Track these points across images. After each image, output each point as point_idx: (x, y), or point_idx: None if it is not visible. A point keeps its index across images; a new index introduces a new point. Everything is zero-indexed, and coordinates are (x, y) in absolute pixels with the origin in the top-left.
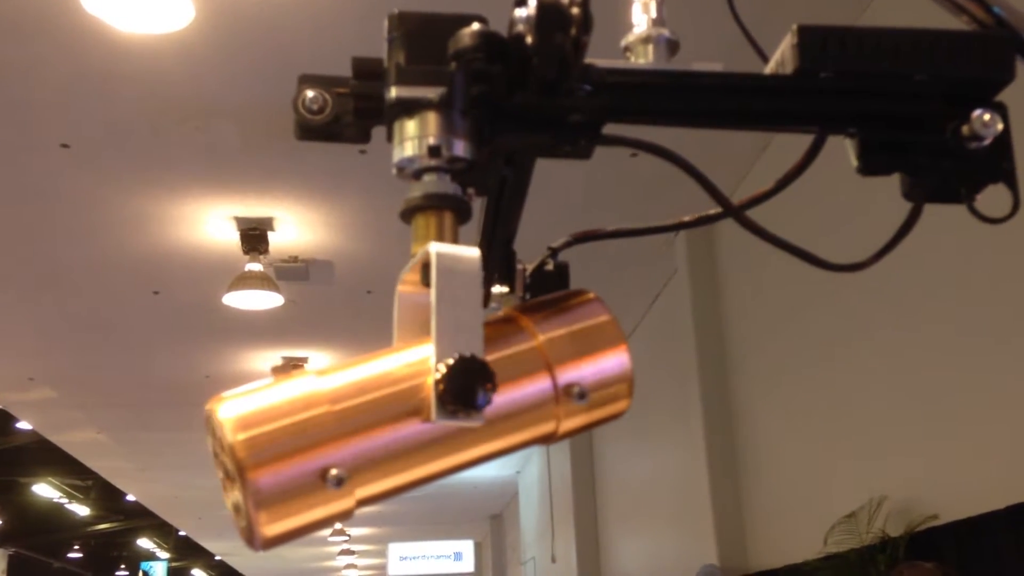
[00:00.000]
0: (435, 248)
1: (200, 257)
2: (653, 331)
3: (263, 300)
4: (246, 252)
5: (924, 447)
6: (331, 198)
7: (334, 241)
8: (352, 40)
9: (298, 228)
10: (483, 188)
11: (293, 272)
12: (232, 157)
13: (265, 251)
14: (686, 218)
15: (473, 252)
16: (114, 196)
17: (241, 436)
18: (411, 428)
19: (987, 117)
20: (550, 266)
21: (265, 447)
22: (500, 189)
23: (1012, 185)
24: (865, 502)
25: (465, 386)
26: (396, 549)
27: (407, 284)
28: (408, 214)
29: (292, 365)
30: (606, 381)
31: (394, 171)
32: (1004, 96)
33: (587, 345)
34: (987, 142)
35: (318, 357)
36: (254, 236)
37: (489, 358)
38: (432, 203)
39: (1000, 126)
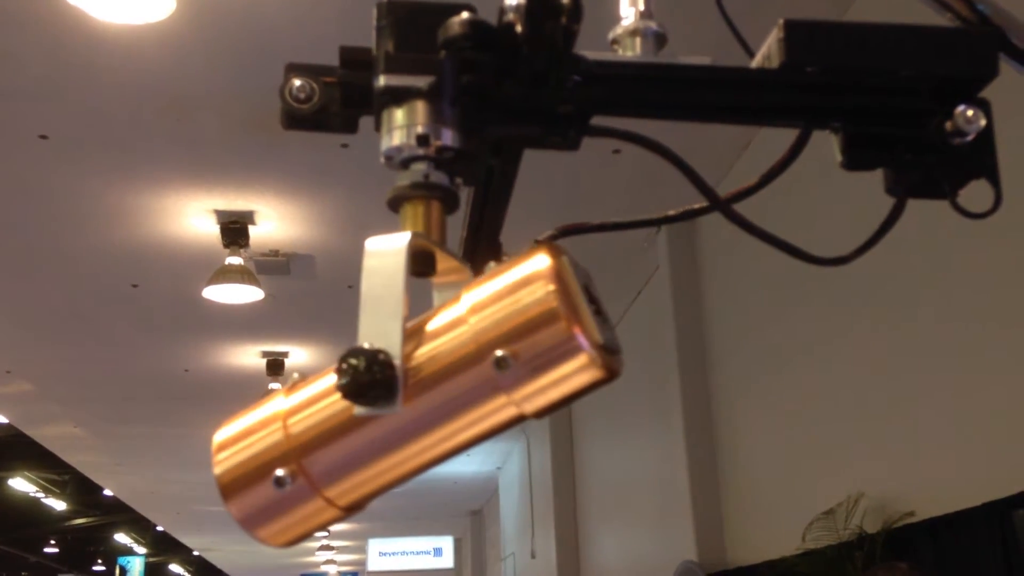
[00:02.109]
0: (367, 242)
1: (180, 250)
2: (634, 327)
3: (243, 294)
4: (226, 246)
5: (901, 445)
6: (313, 192)
7: (315, 235)
8: (334, 30)
9: (279, 222)
10: (471, 178)
11: (274, 266)
12: (213, 150)
13: (246, 245)
14: (671, 212)
15: (399, 243)
16: (93, 188)
17: (215, 469)
18: (362, 431)
19: (970, 113)
20: None
21: (230, 477)
22: (488, 179)
23: (994, 181)
24: (843, 499)
25: (362, 380)
26: (376, 545)
27: None
28: (395, 202)
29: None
30: (548, 355)
31: (382, 160)
32: (987, 92)
33: (517, 320)
34: (970, 138)
35: (298, 352)
36: (235, 230)
37: (423, 347)
38: (420, 192)
39: (983, 122)
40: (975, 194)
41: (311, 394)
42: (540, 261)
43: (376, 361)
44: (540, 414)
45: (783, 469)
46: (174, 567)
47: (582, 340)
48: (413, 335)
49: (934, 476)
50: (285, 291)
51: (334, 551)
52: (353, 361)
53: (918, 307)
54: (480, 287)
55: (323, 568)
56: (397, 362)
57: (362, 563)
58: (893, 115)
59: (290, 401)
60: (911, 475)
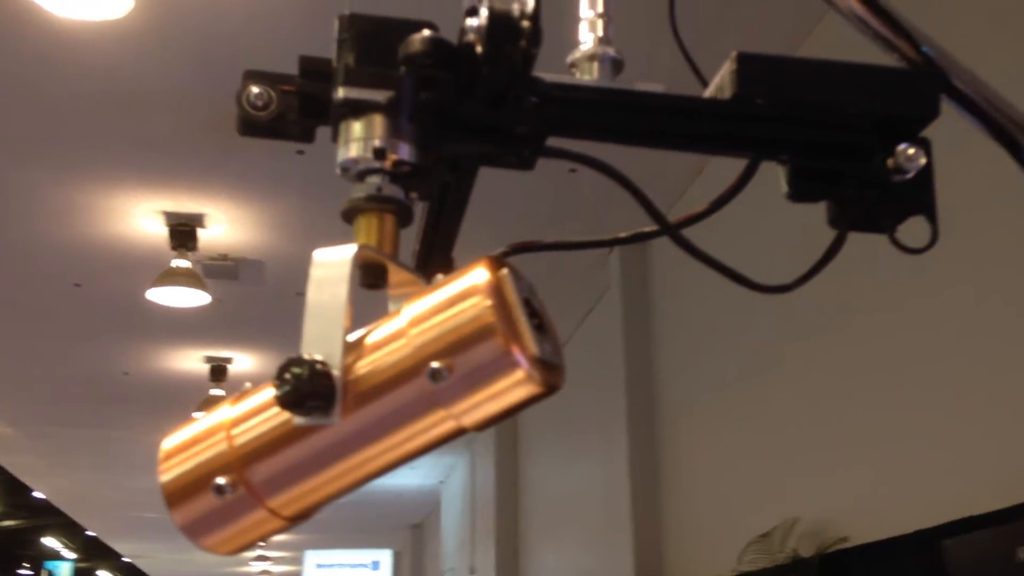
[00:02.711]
0: (315, 253)
1: (126, 251)
2: (584, 346)
3: (189, 298)
4: (174, 248)
5: (838, 471)
6: (266, 197)
7: (266, 241)
8: (294, 33)
9: (230, 226)
10: (426, 193)
11: (222, 271)
12: (165, 150)
13: (194, 248)
14: (622, 234)
15: (345, 255)
16: (39, 184)
17: (160, 479)
18: (303, 443)
19: (912, 151)
20: None
21: (174, 488)
22: (442, 195)
23: (932, 218)
24: (779, 523)
25: (297, 390)
26: (313, 556)
27: None
28: (349, 214)
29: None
30: (485, 368)
31: (338, 171)
32: (928, 132)
33: (453, 335)
34: (911, 175)
35: (243, 359)
36: (183, 232)
37: (363, 361)
38: (374, 205)
39: (924, 160)
40: (913, 230)
41: (254, 404)
42: (479, 275)
43: (314, 371)
44: (479, 427)
45: (723, 491)
46: (103, 573)
47: (518, 355)
48: (355, 347)
49: (869, 503)
50: (232, 296)
51: (270, 562)
52: (292, 371)
53: (855, 336)
54: (420, 300)
55: None
56: (336, 373)
57: (298, 574)
58: (838, 150)
59: (235, 411)
60: (846, 501)
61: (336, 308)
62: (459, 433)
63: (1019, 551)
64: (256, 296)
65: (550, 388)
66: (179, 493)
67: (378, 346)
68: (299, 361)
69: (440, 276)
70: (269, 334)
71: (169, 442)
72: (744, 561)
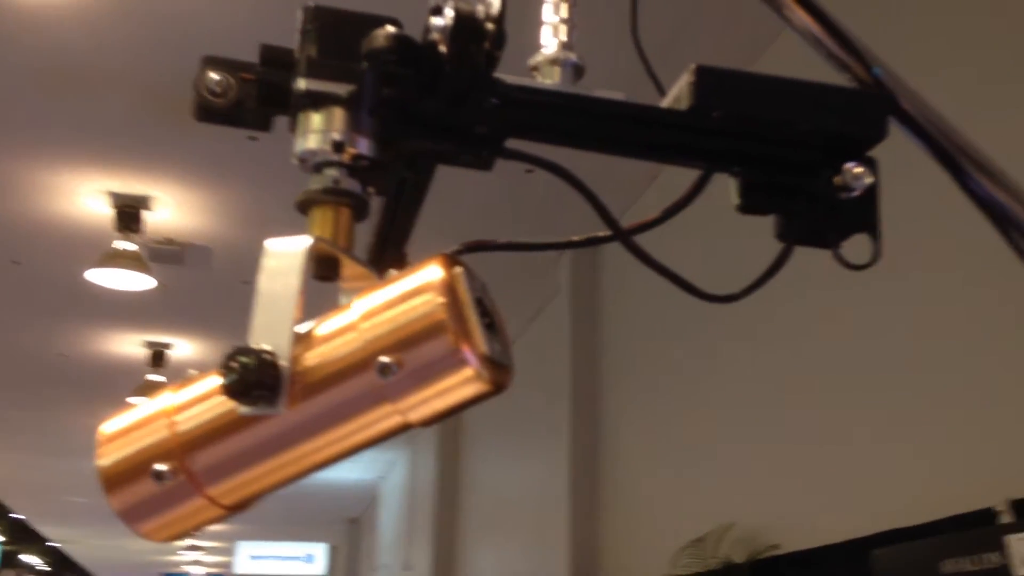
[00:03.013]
0: (267, 243)
1: (69, 230)
2: (531, 348)
3: (132, 281)
4: (119, 230)
5: (772, 479)
6: (215, 182)
7: (214, 227)
8: (250, 16)
9: (177, 210)
10: (383, 188)
11: (167, 255)
12: (114, 130)
13: (139, 231)
14: (575, 237)
15: (299, 246)
16: None
17: (98, 463)
18: (247, 432)
19: (859, 170)
20: None
21: (112, 473)
22: (399, 191)
23: (875, 236)
24: (714, 528)
25: (244, 379)
26: (245, 547)
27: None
28: (305, 205)
29: (159, 352)
30: (433, 367)
31: (295, 161)
32: (876, 152)
33: (404, 331)
34: (857, 193)
35: (183, 345)
36: (129, 214)
37: (311, 353)
38: (330, 197)
39: (870, 180)
40: (857, 247)
41: (198, 392)
42: (433, 272)
43: (262, 361)
44: (426, 423)
45: (660, 495)
46: (27, 557)
47: (468, 354)
48: (304, 338)
49: (802, 511)
50: (177, 281)
51: (201, 551)
52: (239, 360)
53: (794, 348)
54: (373, 295)
55: (187, 568)
56: (283, 363)
57: (230, 565)
58: (789, 165)
59: (178, 398)
60: (780, 509)
61: (287, 299)
62: (404, 428)
63: (943, 564)
64: (201, 282)
65: (498, 387)
66: (117, 478)
67: (328, 338)
68: (246, 350)
69: (394, 272)
70: (212, 321)
71: (108, 426)
72: (678, 565)
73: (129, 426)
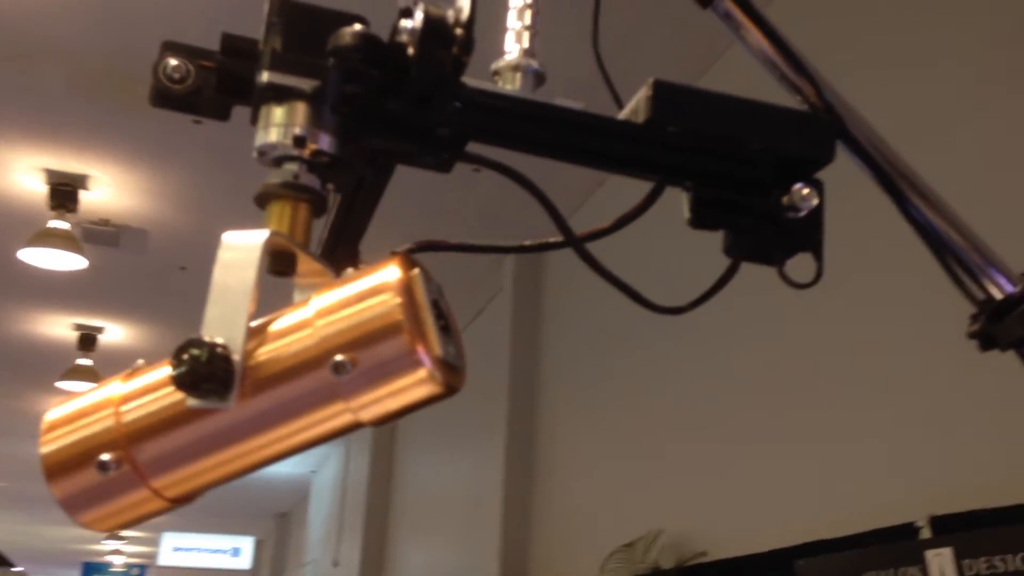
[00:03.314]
0: (224, 236)
1: (0, 206)
2: (470, 347)
3: (64, 261)
4: (53, 208)
5: (703, 487)
6: (156, 164)
7: (152, 210)
8: (203, 1)
9: (115, 190)
10: (341, 185)
11: (102, 236)
12: (54, 105)
13: (74, 210)
14: (527, 242)
15: (256, 239)
16: None
17: (41, 450)
18: (196, 425)
19: (806, 191)
20: None
21: (55, 460)
22: (356, 188)
23: (818, 256)
24: (644, 533)
25: (200, 372)
26: (170, 539)
27: None
28: (263, 199)
29: (88, 336)
30: (390, 366)
31: (254, 154)
32: (823, 174)
33: (360, 330)
34: (803, 214)
35: (115, 329)
36: (64, 192)
37: (265, 348)
38: (289, 192)
39: (816, 201)
40: (801, 265)
41: (147, 383)
42: (391, 273)
43: (214, 354)
44: (376, 423)
45: (593, 499)
46: None
47: (422, 355)
48: (257, 333)
49: (730, 520)
50: (111, 264)
51: (123, 541)
52: (191, 352)
53: (728, 358)
54: (329, 292)
55: (108, 559)
56: (236, 357)
57: (153, 556)
58: (739, 183)
59: (126, 387)
60: (709, 517)
61: (242, 292)
62: (355, 427)
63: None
64: (136, 265)
65: (450, 389)
66: (60, 466)
67: (282, 334)
68: (199, 343)
69: (350, 270)
70: (147, 306)
71: (54, 414)
72: (606, 569)
73: (74, 414)
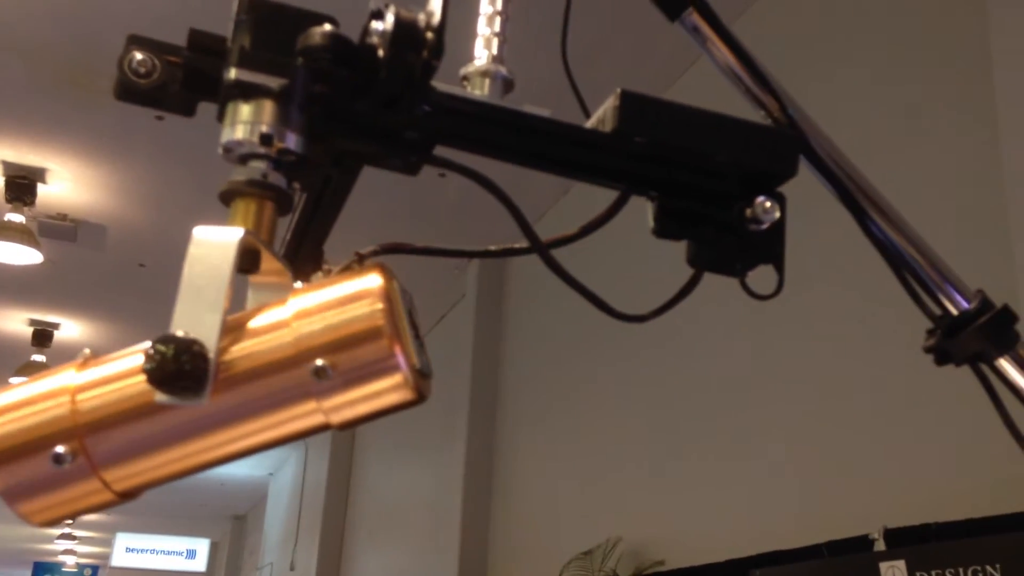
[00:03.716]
0: (196, 230)
1: None
2: (432, 352)
3: (19, 255)
4: (9, 201)
5: (662, 497)
6: (116, 159)
7: (111, 205)
8: None
9: (73, 184)
10: (307, 185)
11: (59, 231)
12: (13, 97)
13: (31, 203)
14: (492, 247)
15: (231, 235)
16: None
17: None
18: (159, 419)
19: (768, 204)
20: None
21: (5, 446)
22: (322, 188)
23: (779, 268)
24: (602, 542)
25: (170, 367)
26: (124, 539)
27: None
28: (228, 196)
29: (42, 332)
30: (368, 371)
31: (220, 151)
32: (785, 188)
33: (342, 334)
34: (765, 226)
35: (71, 326)
36: (21, 185)
37: (238, 346)
38: (255, 190)
39: (778, 214)
40: (762, 277)
41: (109, 372)
42: (372, 280)
43: (190, 351)
44: (344, 426)
45: (552, 507)
46: None
47: (401, 360)
48: (230, 330)
49: (687, 529)
50: (68, 259)
51: (76, 541)
52: (165, 347)
53: (687, 369)
54: (309, 294)
55: (60, 559)
56: (211, 355)
57: (106, 557)
58: (703, 194)
59: (83, 377)
60: (668, 526)
61: (217, 289)
62: (322, 429)
63: None
64: (94, 261)
65: (421, 397)
66: (6, 454)
67: (257, 333)
68: (175, 338)
69: (320, 274)
70: (105, 303)
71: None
72: None
73: (24, 400)
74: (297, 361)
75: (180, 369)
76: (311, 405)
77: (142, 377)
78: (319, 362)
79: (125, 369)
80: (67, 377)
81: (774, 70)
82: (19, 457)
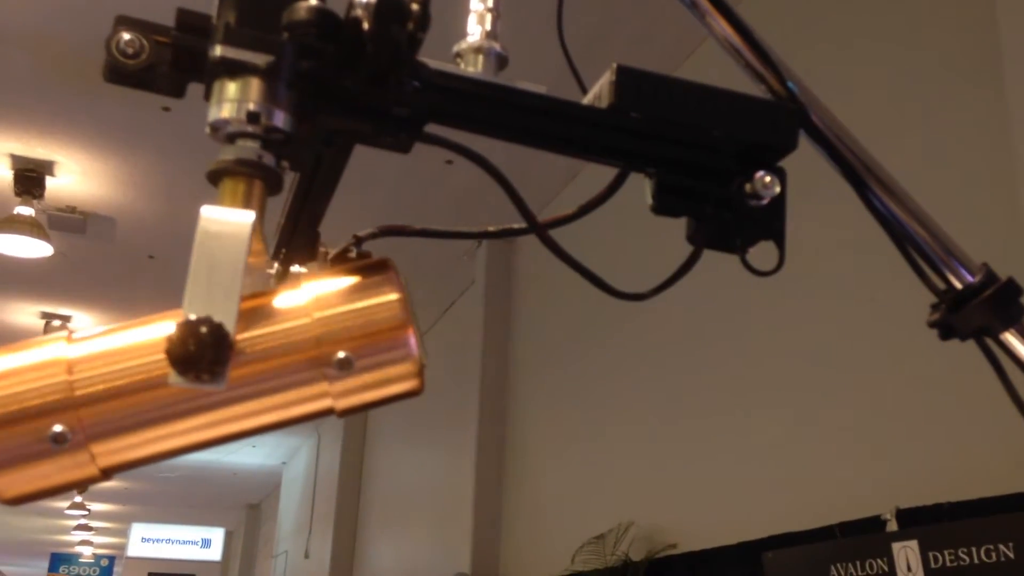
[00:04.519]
0: (204, 209)
1: None
2: (442, 339)
3: (29, 248)
4: (18, 194)
5: (673, 482)
6: (123, 151)
7: (119, 197)
8: None
9: (82, 177)
10: (297, 163)
11: (69, 223)
12: (19, 89)
13: (40, 196)
14: (490, 228)
15: (244, 217)
16: None
17: None
18: (158, 397)
19: (768, 179)
20: (353, 253)
21: None
22: (315, 168)
23: (780, 244)
24: (614, 526)
25: (192, 349)
26: (139, 529)
27: None
28: (216, 176)
29: (49, 324)
30: (384, 360)
31: (207, 130)
32: (785, 163)
33: (363, 322)
34: (765, 202)
35: (82, 318)
36: (30, 178)
37: (255, 329)
38: (243, 169)
39: (778, 189)
40: (763, 253)
41: (111, 346)
42: (387, 270)
43: (218, 335)
44: (347, 413)
45: (564, 492)
46: None
47: (415, 350)
48: (244, 313)
49: (699, 513)
50: (78, 251)
51: (92, 532)
52: (191, 330)
53: (700, 354)
54: (325, 281)
55: (77, 550)
56: (233, 341)
57: (122, 547)
58: (702, 170)
59: (78, 349)
60: (678, 510)
61: (233, 271)
62: (324, 414)
63: (832, 568)
64: (104, 253)
65: (422, 388)
66: None
67: (275, 317)
68: (201, 322)
69: (320, 257)
70: (115, 294)
71: None
72: (577, 561)
73: (13, 369)
74: (316, 346)
75: (205, 354)
76: (322, 389)
77: (150, 355)
78: (342, 353)
79: (130, 343)
80: (59, 348)
81: (780, 46)
82: (9, 426)
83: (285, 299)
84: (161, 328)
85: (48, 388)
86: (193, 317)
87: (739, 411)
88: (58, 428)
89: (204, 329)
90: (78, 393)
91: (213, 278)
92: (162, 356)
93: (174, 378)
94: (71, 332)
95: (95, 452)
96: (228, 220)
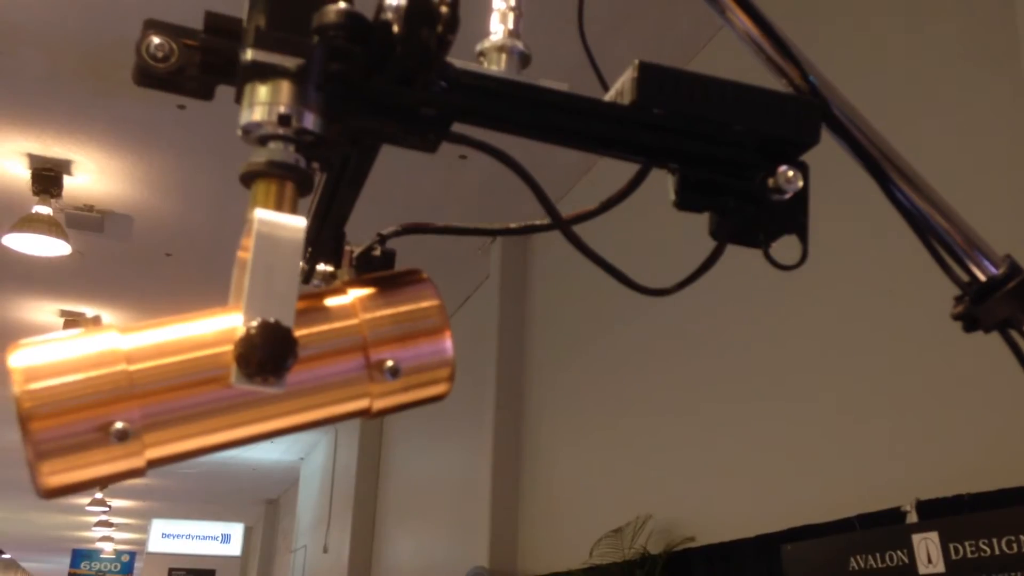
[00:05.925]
0: (259, 213)
1: None
2: (458, 333)
3: (48, 247)
4: (36, 193)
5: (690, 474)
6: (140, 149)
7: (136, 195)
8: None
9: (99, 176)
10: (327, 165)
11: (86, 222)
12: (37, 89)
13: (58, 195)
14: (512, 224)
15: (298, 222)
16: None
17: (28, 387)
18: (212, 393)
19: (791, 174)
20: (377, 251)
21: (50, 400)
22: (342, 168)
23: (803, 238)
24: (632, 519)
25: (263, 352)
26: (159, 525)
27: (244, 250)
28: (249, 178)
29: (73, 321)
30: (424, 364)
31: (239, 132)
32: (808, 156)
33: (408, 327)
34: (788, 196)
35: (102, 316)
36: (48, 177)
37: (304, 330)
38: (275, 171)
39: (801, 183)
40: (786, 248)
41: (166, 339)
42: (425, 280)
43: (286, 340)
44: (381, 414)
45: (581, 486)
46: None
47: (452, 356)
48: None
49: (717, 506)
50: (96, 250)
51: (113, 528)
52: (261, 333)
53: (716, 347)
54: (368, 287)
55: (98, 545)
56: (296, 344)
57: (142, 543)
58: (724, 165)
59: (133, 340)
60: (696, 503)
61: (291, 276)
62: (361, 414)
63: (851, 560)
64: (121, 252)
65: (450, 392)
66: (51, 412)
67: (324, 317)
68: (272, 326)
69: (345, 256)
70: (133, 292)
71: (40, 353)
72: (595, 554)
73: (71, 362)
74: (364, 348)
75: (271, 357)
76: (365, 389)
77: (207, 349)
78: (390, 361)
79: (183, 338)
80: (113, 339)
81: (796, 34)
82: (67, 414)
83: (331, 300)
84: (214, 324)
85: (108, 378)
86: (257, 321)
87: (756, 403)
88: (119, 418)
89: (272, 334)
90: (138, 384)
91: (272, 281)
92: (220, 352)
93: (238, 378)
94: (126, 328)
95: (147, 443)
96: (283, 224)
